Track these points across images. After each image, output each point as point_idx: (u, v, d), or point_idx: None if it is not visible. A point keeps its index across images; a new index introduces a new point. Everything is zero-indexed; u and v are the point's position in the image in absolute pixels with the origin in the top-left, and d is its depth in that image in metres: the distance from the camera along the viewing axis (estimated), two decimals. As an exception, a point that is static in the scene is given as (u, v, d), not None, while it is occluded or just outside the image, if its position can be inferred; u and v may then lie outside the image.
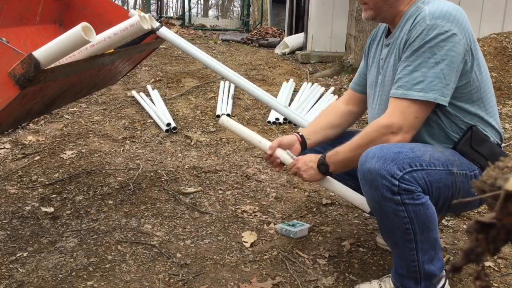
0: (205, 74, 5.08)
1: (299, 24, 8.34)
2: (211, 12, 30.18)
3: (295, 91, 4.72)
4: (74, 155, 3.03)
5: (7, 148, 3.14)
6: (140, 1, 25.79)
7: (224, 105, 4.09)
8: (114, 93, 4.48)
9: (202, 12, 28.10)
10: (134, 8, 21.64)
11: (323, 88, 4.78)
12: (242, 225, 2.17)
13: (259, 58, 6.34)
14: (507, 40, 5.16)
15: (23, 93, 1.50)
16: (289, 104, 4.25)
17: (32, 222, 2.16)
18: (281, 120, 3.85)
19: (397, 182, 1.36)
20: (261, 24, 11.77)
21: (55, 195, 2.45)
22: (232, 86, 4.46)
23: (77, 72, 1.81)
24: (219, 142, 3.39)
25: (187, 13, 11.16)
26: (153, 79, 4.92)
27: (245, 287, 1.68)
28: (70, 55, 1.68)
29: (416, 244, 1.44)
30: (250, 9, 12.62)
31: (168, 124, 3.59)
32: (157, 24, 2.09)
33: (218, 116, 3.93)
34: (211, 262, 1.85)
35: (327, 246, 2.00)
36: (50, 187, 2.55)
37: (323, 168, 1.61)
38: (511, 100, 4.36)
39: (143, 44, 2.29)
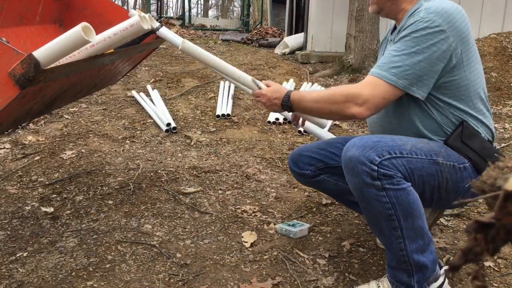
0: (205, 74, 5.08)
1: (299, 24, 8.35)
2: (211, 12, 30.19)
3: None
4: (74, 155, 3.03)
5: (7, 148, 3.14)
6: (140, 1, 25.80)
7: (224, 105, 4.09)
8: (114, 93, 4.48)
9: (202, 12, 28.11)
10: (134, 8, 21.65)
11: (323, 88, 4.79)
12: (242, 225, 2.17)
13: (259, 58, 6.34)
14: (507, 40, 5.16)
15: (23, 93, 1.50)
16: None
17: (32, 222, 2.16)
18: (281, 120, 3.85)
19: (376, 168, 1.41)
20: (261, 24, 11.77)
21: (55, 195, 2.45)
22: (232, 86, 4.46)
23: (77, 72, 1.81)
24: (219, 142, 3.40)
25: (187, 13, 11.15)
26: (153, 79, 4.92)
27: (245, 287, 1.68)
28: (70, 55, 1.68)
29: (401, 231, 1.46)
30: (250, 9, 12.61)
31: (168, 124, 3.59)
32: (157, 24, 2.09)
33: (218, 116, 3.93)
34: (211, 262, 1.85)
35: (327, 246, 2.00)
36: (50, 187, 2.55)
37: (287, 108, 1.68)
38: (511, 100, 4.36)
39: (143, 44, 2.29)
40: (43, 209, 2.28)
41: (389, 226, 1.47)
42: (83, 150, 3.12)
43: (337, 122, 3.89)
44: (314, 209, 2.36)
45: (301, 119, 1.90)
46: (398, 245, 1.48)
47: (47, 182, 2.61)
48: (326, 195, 2.52)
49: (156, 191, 2.51)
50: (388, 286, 1.58)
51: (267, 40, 8.19)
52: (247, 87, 1.83)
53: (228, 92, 4.37)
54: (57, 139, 3.33)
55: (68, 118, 3.79)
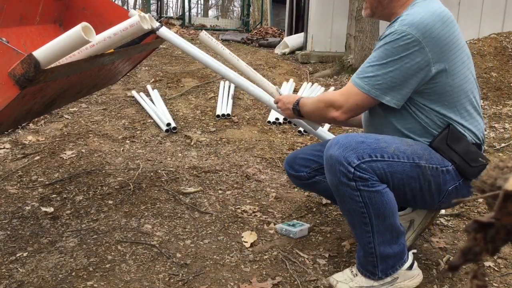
0: (205, 74, 5.08)
1: (299, 24, 8.34)
2: (211, 12, 30.18)
3: (295, 91, 4.73)
4: (74, 155, 3.03)
5: (7, 148, 3.14)
6: (140, 1, 25.79)
7: (224, 105, 4.09)
8: (114, 93, 4.48)
9: (202, 12, 28.10)
10: (134, 8, 21.65)
11: (323, 88, 4.79)
12: (242, 225, 2.17)
13: (259, 58, 6.35)
14: (507, 40, 5.16)
15: (23, 93, 1.50)
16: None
17: (32, 222, 2.16)
18: (281, 120, 3.85)
19: (352, 170, 1.48)
20: (261, 24, 11.77)
21: (55, 195, 2.45)
22: (232, 86, 4.46)
23: (77, 72, 1.81)
24: (219, 142, 3.40)
25: (187, 13, 11.15)
26: (153, 79, 4.92)
27: (245, 287, 1.69)
28: (70, 55, 1.68)
29: (372, 227, 1.55)
30: (250, 9, 12.61)
31: (168, 124, 3.59)
32: (157, 24, 2.09)
33: (218, 116, 3.93)
34: (211, 262, 1.85)
35: (327, 246, 2.00)
36: (50, 187, 2.55)
37: (296, 112, 1.83)
38: (511, 100, 4.36)
39: (143, 44, 2.29)
40: (43, 209, 2.28)
41: (361, 222, 1.56)
42: (83, 150, 3.12)
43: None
44: (314, 209, 2.36)
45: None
46: (367, 239, 1.57)
47: (47, 182, 2.61)
48: (326, 195, 2.52)
49: (156, 191, 2.51)
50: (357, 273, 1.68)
51: (267, 40, 8.19)
52: (269, 93, 2.03)
53: (228, 92, 4.37)
54: (57, 139, 3.34)
55: (68, 118, 3.79)
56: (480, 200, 2.40)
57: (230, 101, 4.21)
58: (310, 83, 4.92)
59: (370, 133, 1.62)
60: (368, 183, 1.50)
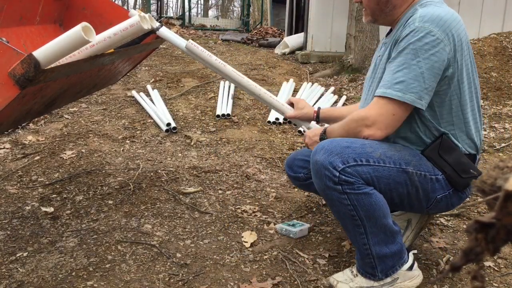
0: (205, 74, 5.08)
1: (299, 24, 8.35)
2: (211, 12, 30.18)
3: (295, 91, 4.73)
4: (74, 155, 3.03)
5: (7, 148, 3.14)
6: (140, 1, 25.79)
7: (224, 105, 4.09)
8: (114, 93, 4.48)
9: (202, 12, 28.09)
10: (134, 8, 21.64)
11: (323, 88, 4.79)
12: (242, 225, 2.17)
13: (259, 58, 6.35)
14: (507, 40, 5.16)
15: (23, 93, 1.50)
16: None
17: (32, 222, 2.16)
18: (281, 120, 3.85)
19: (337, 174, 1.47)
20: (261, 24, 11.77)
21: (55, 195, 2.45)
22: (232, 86, 4.46)
23: (77, 72, 1.81)
24: (219, 142, 3.40)
25: (187, 13, 11.15)
26: (153, 79, 4.92)
27: (245, 287, 1.69)
28: (70, 55, 1.68)
29: (364, 228, 1.54)
30: (250, 9, 12.61)
31: (168, 124, 3.59)
32: (157, 24, 2.09)
33: (218, 116, 3.93)
34: (211, 262, 1.85)
35: (327, 246, 2.00)
36: (50, 187, 2.55)
37: None
38: (511, 100, 4.36)
39: (143, 44, 2.29)
40: (43, 209, 2.28)
41: (353, 224, 1.55)
42: (83, 150, 3.12)
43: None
44: (314, 209, 2.36)
45: None
46: (362, 240, 1.57)
47: (47, 182, 2.61)
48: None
49: (156, 191, 2.51)
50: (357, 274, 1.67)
51: (267, 40, 8.19)
52: (279, 111, 2.07)
53: (228, 92, 4.37)
54: (57, 139, 3.33)
55: (68, 118, 3.79)
56: (480, 199, 2.39)
57: (230, 101, 4.21)
58: (310, 83, 4.92)
59: (357, 139, 1.58)
60: (354, 186, 1.49)
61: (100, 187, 2.55)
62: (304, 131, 1.97)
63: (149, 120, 3.79)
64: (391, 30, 1.71)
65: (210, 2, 29.08)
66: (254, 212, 2.31)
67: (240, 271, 1.79)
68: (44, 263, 1.81)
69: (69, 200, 2.39)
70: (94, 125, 3.66)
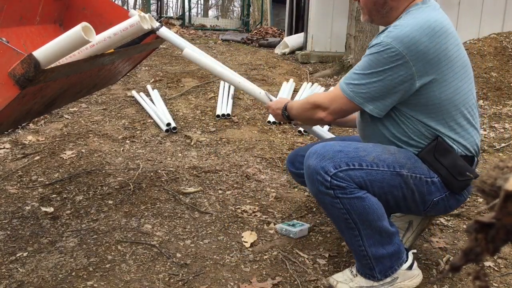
0: (205, 74, 5.08)
1: (299, 24, 8.35)
2: (211, 12, 30.17)
3: (295, 91, 4.73)
4: (74, 155, 3.03)
5: (7, 148, 3.14)
6: (140, 1, 25.78)
7: (224, 105, 4.09)
8: (114, 93, 4.48)
9: (202, 12, 28.09)
10: (134, 8, 21.65)
11: (323, 88, 4.79)
12: (242, 225, 2.17)
13: (259, 58, 6.35)
14: (507, 40, 5.16)
15: (23, 93, 1.50)
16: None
17: (32, 222, 2.16)
18: (281, 120, 3.84)
19: (329, 178, 1.50)
20: (261, 24, 11.77)
21: (55, 195, 2.45)
22: (232, 86, 4.46)
23: (77, 72, 1.81)
24: (219, 142, 3.40)
25: (187, 13, 11.15)
26: (153, 79, 4.92)
27: (245, 287, 1.69)
28: (70, 55, 1.68)
29: (359, 231, 1.56)
30: (250, 9, 12.61)
31: (168, 124, 3.59)
32: (157, 24, 2.09)
33: (218, 116, 3.93)
34: (211, 262, 1.85)
35: (327, 246, 2.00)
36: (50, 187, 2.55)
37: (286, 117, 1.88)
38: (511, 100, 4.36)
39: (143, 44, 2.29)
40: (43, 209, 2.28)
41: (347, 227, 1.57)
42: (83, 150, 3.12)
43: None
44: (314, 209, 2.36)
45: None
46: (357, 243, 1.58)
47: (47, 182, 2.61)
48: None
49: (156, 191, 2.51)
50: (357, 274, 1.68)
51: (267, 40, 8.19)
52: (259, 99, 2.09)
53: (228, 92, 4.37)
54: (57, 139, 3.33)
55: (68, 118, 3.79)
56: (480, 199, 2.39)
57: (230, 101, 4.21)
58: (310, 83, 4.92)
59: (351, 142, 1.63)
60: (346, 191, 1.50)
61: (100, 187, 2.55)
62: (271, 103, 2.03)
63: (149, 120, 3.79)
64: None
65: (210, 2, 29.09)
66: (254, 212, 2.31)
67: (240, 271, 1.79)
68: (44, 263, 1.81)
69: (69, 200, 2.39)
70: (94, 125, 3.66)
